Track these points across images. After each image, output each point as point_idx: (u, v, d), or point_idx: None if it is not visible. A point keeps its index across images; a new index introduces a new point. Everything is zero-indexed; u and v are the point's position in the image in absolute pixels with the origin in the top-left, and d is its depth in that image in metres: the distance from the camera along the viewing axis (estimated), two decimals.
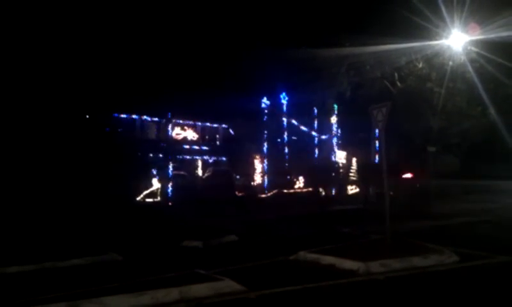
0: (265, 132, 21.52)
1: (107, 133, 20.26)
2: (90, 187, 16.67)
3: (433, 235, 11.02)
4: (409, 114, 20.15)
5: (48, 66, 17.36)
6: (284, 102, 22.26)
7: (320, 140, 23.24)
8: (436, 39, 18.73)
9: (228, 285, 6.69)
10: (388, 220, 10.08)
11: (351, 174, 23.41)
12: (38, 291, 6.89)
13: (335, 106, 23.51)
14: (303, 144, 23.12)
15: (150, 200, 18.79)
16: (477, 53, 18.42)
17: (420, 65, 19.49)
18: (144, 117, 22.71)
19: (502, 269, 7.73)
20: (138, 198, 18.68)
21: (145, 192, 18.99)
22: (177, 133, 23.45)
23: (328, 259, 8.27)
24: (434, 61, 19.40)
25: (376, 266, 7.65)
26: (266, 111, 22.16)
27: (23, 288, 7.24)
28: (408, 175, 22.26)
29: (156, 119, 22.04)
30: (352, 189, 22.65)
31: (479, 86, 18.42)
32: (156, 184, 19.62)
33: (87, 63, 18.29)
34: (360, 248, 9.10)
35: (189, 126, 23.43)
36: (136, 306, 6.02)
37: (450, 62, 19.34)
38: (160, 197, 18.93)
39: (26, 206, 14.21)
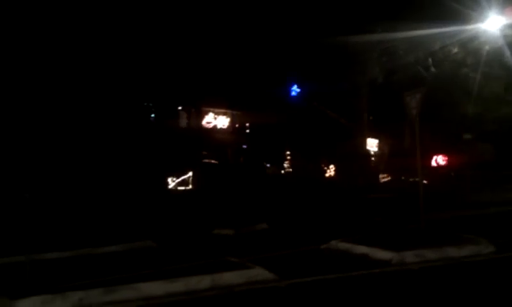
0: (295, 120, 21.40)
1: (141, 122, 20.56)
2: (126, 175, 16.99)
3: (469, 225, 10.79)
4: (444, 101, 19.66)
5: (87, 55, 17.67)
6: (314, 88, 22.04)
7: (350, 128, 22.93)
8: (471, 23, 18.12)
9: (259, 273, 6.73)
10: (422, 209, 9.94)
11: (382, 162, 23.10)
12: (74, 277, 7.09)
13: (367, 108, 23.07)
14: (333, 131, 22.87)
15: (182, 188, 19.04)
16: None
17: (455, 50, 18.93)
18: (177, 106, 22.91)
19: None
20: (170, 186, 18.95)
21: (177, 181, 19.25)
22: (208, 121, 23.59)
23: (360, 249, 8.21)
24: (470, 45, 18.78)
25: (409, 256, 7.54)
26: (295, 98, 22.03)
27: (60, 274, 7.46)
28: (443, 163, 21.84)
29: (186, 107, 22.20)
30: (384, 177, 22.37)
31: None
32: (187, 172, 19.85)
33: (122, 53, 18.53)
34: (394, 237, 8.97)
35: (219, 113, 23.52)
36: (170, 292, 6.12)
37: (487, 47, 18.70)
38: (192, 185, 19.17)
39: (66, 195, 14.59)
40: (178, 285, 6.28)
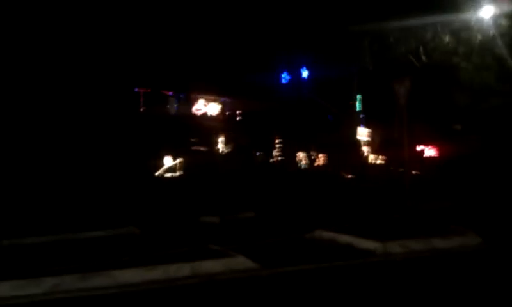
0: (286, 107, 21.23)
1: (130, 108, 20.25)
2: (112, 161, 16.77)
3: (458, 216, 10.69)
4: (435, 90, 19.55)
5: (74, 39, 17.32)
6: (305, 76, 21.87)
7: (341, 117, 22.83)
8: (464, 12, 17.97)
9: (240, 262, 6.58)
10: (407, 199, 9.87)
11: (373, 151, 23.03)
12: (52, 262, 6.92)
13: (358, 97, 22.94)
14: (323, 120, 22.76)
15: (169, 175, 18.82)
16: (508, 26, 17.60)
17: (447, 39, 18.77)
18: (166, 92, 22.60)
19: None
20: (157, 173, 18.72)
21: (164, 168, 19.02)
22: (197, 108, 23.33)
23: (344, 239, 8.09)
24: (462, 34, 18.63)
25: (394, 246, 7.43)
26: (286, 86, 21.85)
27: (37, 259, 7.29)
28: (432, 153, 21.80)
29: (175, 93, 21.91)
30: (373, 168, 22.30)
31: (510, 61, 17.64)
32: (175, 160, 19.63)
33: (112, 38, 18.18)
34: (380, 227, 8.87)
35: (210, 100, 23.24)
36: (147, 280, 5.96)
37: (479, 36, 18.55)
38: (179, 172, 18.97)
39: (50, 180, 14.37)
40: (156, 273, 6.12)
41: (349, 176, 20.56)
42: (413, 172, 19.85)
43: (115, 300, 5.47)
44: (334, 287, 5.88)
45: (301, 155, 22.12)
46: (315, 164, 21.74)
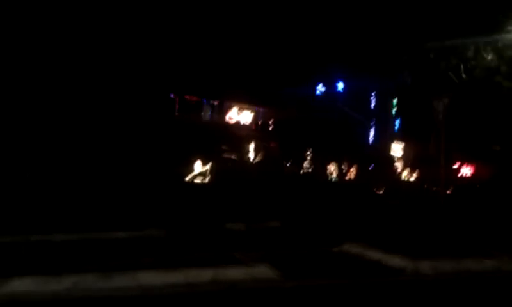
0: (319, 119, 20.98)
1: (165, 114, 20.43)
2: (145, 166, 16.93)
3: (488, 239, 10.21)
4: (475, 109, 18.93)
5: (112, 47, 17.64)
6: (340, 88, 21.57)
7: (376, 131, 22.38)
8: (508, 31, 17.37)
9: (263, 271, 6.42)
10: (440, 217, 9.51)
11: (407, 168, 22.47)
12: (77, 259, 6.94)
13: (394, 101, 22.48)
14: (357, 133, 22.36)
15: (199, 181, 18.84)
16: None
17: (489, 57, 18.16)
18: (201, 98, 22.69)
19: None
20: (187, 178, 18.77)
21: (194, 173, 19.06)
22: (231, 116, 23.33)
23: (373, 254, 7.81)
24: (505, 53, 18.00)
25: (425, 266, 7.13)
26: (320, 98, 21.61)
27: (64, 256, 7.33)
28: (468, 172, 21.10)
29: (209, 100, 21.98)
30: (407, 184, 21.74)
31: None
32: (206, 166, 19.66)
33: (144, 42, 18.42)
34: (410, 246, 8.53)
35: (243, 109, 23.20)
36: (168, 283, 5.88)
37: None
38: (209, 179, 18.97)
39: (86, 181, 14.62)
40: (177, 276, 6.04)
41: (381, 191, 20.11)
42: (448, 191, 19.33)
43: (133, 301, 5.41)
44: (357, 305, 5.65)
45: (331, 167, 21.79)
46: (346, 177, 21.36)
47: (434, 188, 16.86)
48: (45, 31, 15.49)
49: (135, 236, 9.40)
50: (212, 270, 6.22)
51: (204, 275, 6.14)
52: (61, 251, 7.78)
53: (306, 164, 21.33)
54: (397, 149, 22.92)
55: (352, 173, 21.46)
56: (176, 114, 21.74)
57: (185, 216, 12.40)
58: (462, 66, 18.95)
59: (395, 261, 7.29)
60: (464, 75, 18.91)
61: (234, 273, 6.24)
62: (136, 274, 5.94)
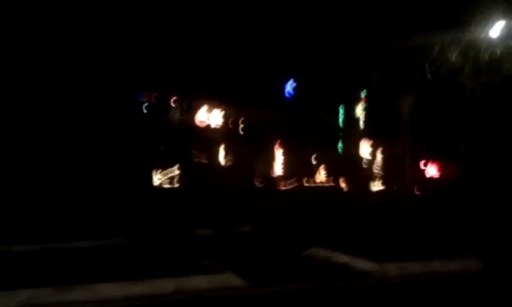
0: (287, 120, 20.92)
1: (131, 115, 19.98)
2: (109, 170, 16.52)
3: (462, 238, 10.35)
4: (440, 108, 19.24)
5: (75, 44, 17.11)
6: (305, 89, 21.56)
7: (344, 131, 22.48)
8: (472, 31, 17.71)
9: (230, 279, 6.28)
10: (407, 219, 9.55)
11: (375, 169, 22.67)
12: (35, 271, 6.67)
13: (363, 92, 22.62)
14: (325, 135, 22.40)
15: (168, 186, 18.54)
16: None
17: (454, 57, 18.48)
18: (169, 97, 22.26)
19: None
20: (156, 183, 18.44)
21: (163, 178, 18.75)
22: (201, 118, 23.07)
23: (340, 258, 7.77)
24: (469, 53, 18.33)
25: (392, 268, 7.11)
26: (288, 98, 21.55)
27: (20, 268, 7.02)
28: (434, 172, 21.45)
29: (179, 101, 21.61)
30: (375, 185, 21.94)
31: None
32: (175, 170, 19.37)
33: (114, 44, 17.96)
34: (378, 248, 8.52)
35: (212, 109, 22.90)
36: (129, 295, 5.66)
37: (486, 56, 18.26)
38: (178, 183, 18.69)
39: (41, 189, 14.15)
40: (139, 288, 5.82)
41: (350, 192, 20.23)
42: (416, 192, 19.58)
43: None
44: None
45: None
46: (316, 178, 21.41)
47: (403, 189, 17.02)
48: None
49: (99, 246, 9.13)
50: (176, 279, 6.03)
51: (168, 285, 5.95)
52: (18, 262, 7.45)
53: (276, 167, 21.29)
54: (365, 149, 23.09)
55: (322, 175, 21.52)
56: (144, 114, 21.31)
57: (153, 222, 12.15)
58: (427, 65, 19.25)
59: (362, 264, 7.25)
60: (429, 75, 19.21)
61: (198, 282, 6.07)
62: (94, 287, 5.70)
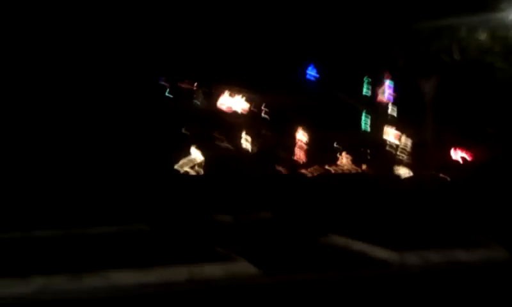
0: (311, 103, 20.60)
1: (154, 101, 20.08)
2: (133, 156, 16.67)
3: (489, 226, 9.98)
4: (469, 90, 18.61)
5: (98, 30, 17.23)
6: (328, 71, 21.13)
7: (368, 115, 22.02)
8: (502, 10, 16.98)
9: (243, 267, 6.21)
10: (431, 206, 9.30)
11: (401, 153, 22.17)
12: (51, 258, 6.72)
13: (386, 84, 22.12)
14: (349, 118, 22.01)
15: (190, 171, 18.61)
16: None
17: (483, 37, 17.77)
18: (191, 84, 22.28)
19: None
20: (177, 169, 18.53)
21: (185, 163, 18.82)
22: (223, 102, 23.00)
23: (359, 246, 7.60)
24: (498, 33, 17.61)
25: (411, 257, 6.92)
26: (311, 82, 21.20)
27: (39, 254, 7.10)
28: (465, 156, 20.81)
29: (202, 87, 21.59)
30: (400, 170, 21.47)
31: None
32: (199, 156, 19.41)
33: (135, 30, 17.99)
34: (398, 235, 8.31)
35: (235, 94, 22.83)
36: (142, 282, 5.66)
37: None
38: (202, 169, 18.74)
39: (65, 174, 14.36)
40: (152, 275, 5.82)
41: (377, 176, 19.83)
42: (442, 176, 19.08)
43: (102, 303, 5.19)
44: (340, 300, 5.44)
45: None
46: (340, 165, 21.12)
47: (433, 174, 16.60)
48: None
49: (119, 231, 9.17)
50: (189, 267, 6.00)
51: (180, 273, 5.93)
52: (37, 249, 7.54)
53: (299, 151, 21.09)
54: (390, 133, 22.59)
55: (343, 158, 21.18)
56: (167, 100, 21.39)
57: (173, 208, 12.18)
58: (454, 46, 18.59)
59: (381, 252, 7.08)
60: (456, 56, 18.56)
61: (212, 270, 6.03)
62: (108, 274, 5.72)
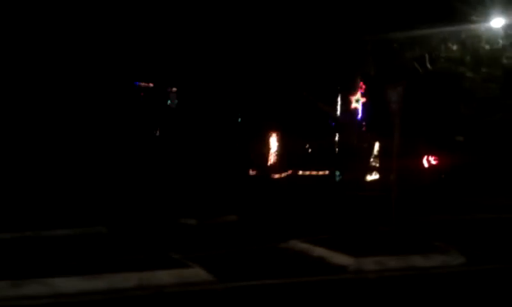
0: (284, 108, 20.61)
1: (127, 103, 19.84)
2: (99, 157, 16.42)
3: (448, 231, 10.06)
4: (439, 99, 18.85)
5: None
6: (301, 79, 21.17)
7: (341, 121, 22.14)
8: (473, 22, 17.26)
9: (195, 273, 6.04)
10: (394, 211, 9.31)
11: (371, 159, 22.34)
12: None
13: (358, 95, 22.29)
14: (322, 124, 22.12)
15: (154, 172, 18.27)
16: None
17: (454, 48, 18.04)
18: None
19: None
20: (139, 170, 18.23)
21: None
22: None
23: (318, 251, 7.52)
24: (470, 44, 17.90)
25: (369, 263, 6.85)
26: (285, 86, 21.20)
27: None
28: (434, 163, 21.06)
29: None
30: (371, 175, 21.64)
31: None
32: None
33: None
34: (358, 241, 8.29)
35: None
36: (88, 290, 5.44)
37: (487, 47, 17.84)
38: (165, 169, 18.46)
39: (31, 176, 14.05)
40: (99, 282, 5.59)
41: (346, 181, 19.95)
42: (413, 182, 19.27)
43: None
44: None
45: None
46: (311, 169, 21.18)
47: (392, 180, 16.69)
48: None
49: (76, 234, 8.94)
50: (139, 274, 5.81)
51: (130, 279, 5.73)
52: None
53: (271, 155, 21.06)
54: (361, 139, 22.75)
55: (316, 164, 21.24)
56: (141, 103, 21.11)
57: (138, 210, 11.95)
58: (427, 56, 18.83)
59: (339, 258, 7.01)
60: (429, 65, 18.80)
61: (162, 276, 5.84)
62: (53, 281, 5.48)
